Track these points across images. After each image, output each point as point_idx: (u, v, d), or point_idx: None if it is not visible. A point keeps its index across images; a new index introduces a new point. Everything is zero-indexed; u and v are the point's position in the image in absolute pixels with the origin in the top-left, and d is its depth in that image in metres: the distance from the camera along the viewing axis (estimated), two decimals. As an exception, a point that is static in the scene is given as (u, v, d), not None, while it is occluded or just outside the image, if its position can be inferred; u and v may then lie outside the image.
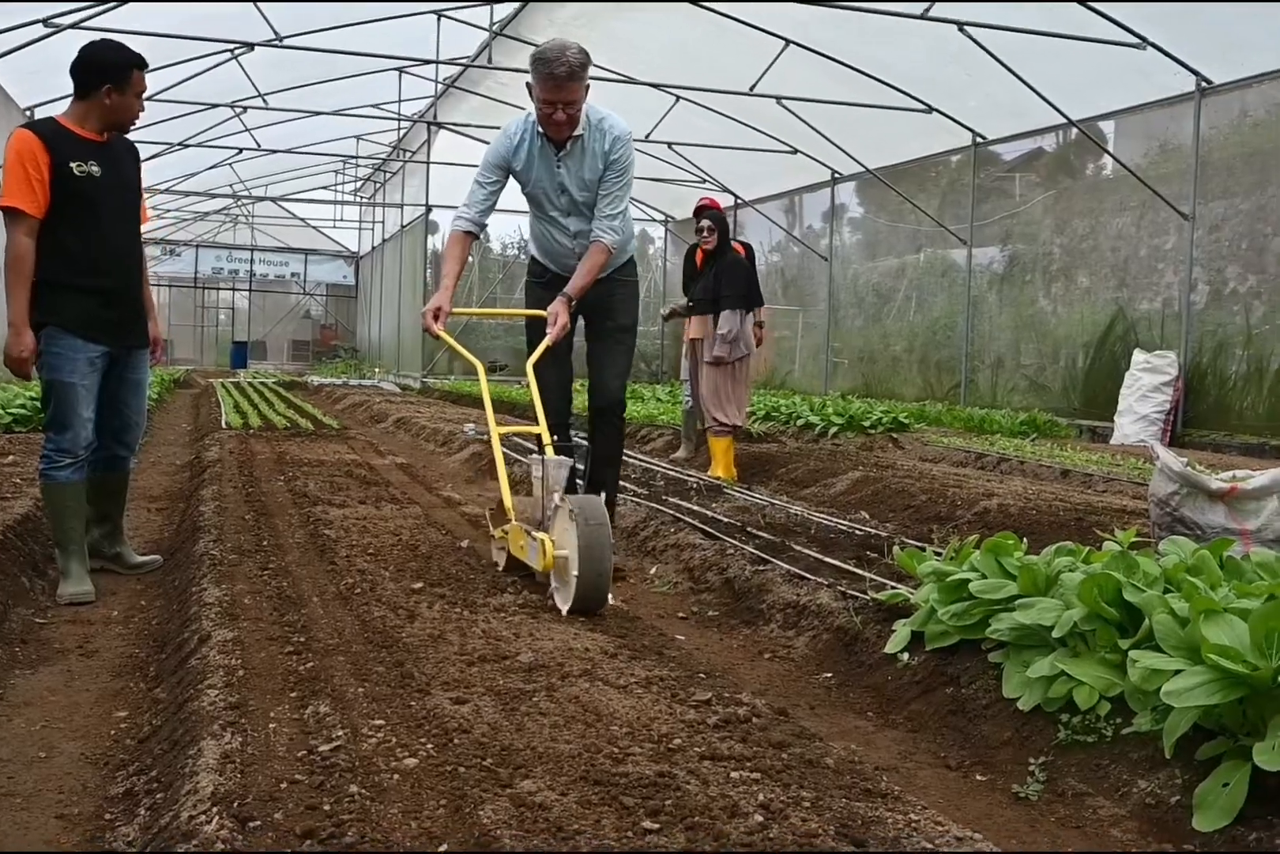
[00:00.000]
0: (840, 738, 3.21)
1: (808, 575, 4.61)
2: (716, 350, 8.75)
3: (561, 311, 4.88)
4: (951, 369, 16.50)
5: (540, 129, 4.95)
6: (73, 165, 4.57)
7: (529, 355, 4.98)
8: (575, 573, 3.83)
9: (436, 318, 4.90)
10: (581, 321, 5.35)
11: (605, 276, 5.23)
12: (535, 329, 5.11)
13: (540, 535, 4.03)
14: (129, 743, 3.04)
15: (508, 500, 4.51)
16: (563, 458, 4.44)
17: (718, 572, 5.02)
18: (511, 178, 5.18)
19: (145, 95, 4.79)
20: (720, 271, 8.80)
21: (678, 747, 2.62)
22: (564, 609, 3.91)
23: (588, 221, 5.12)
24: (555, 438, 4.70)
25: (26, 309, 4.55)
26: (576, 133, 4.93)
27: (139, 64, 4.67)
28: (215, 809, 2.19)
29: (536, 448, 4.90)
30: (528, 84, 4.88)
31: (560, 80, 4.70)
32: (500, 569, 4.59)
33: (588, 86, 4.85)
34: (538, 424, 4.74)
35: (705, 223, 8.84)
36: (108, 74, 4.60)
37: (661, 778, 2.39)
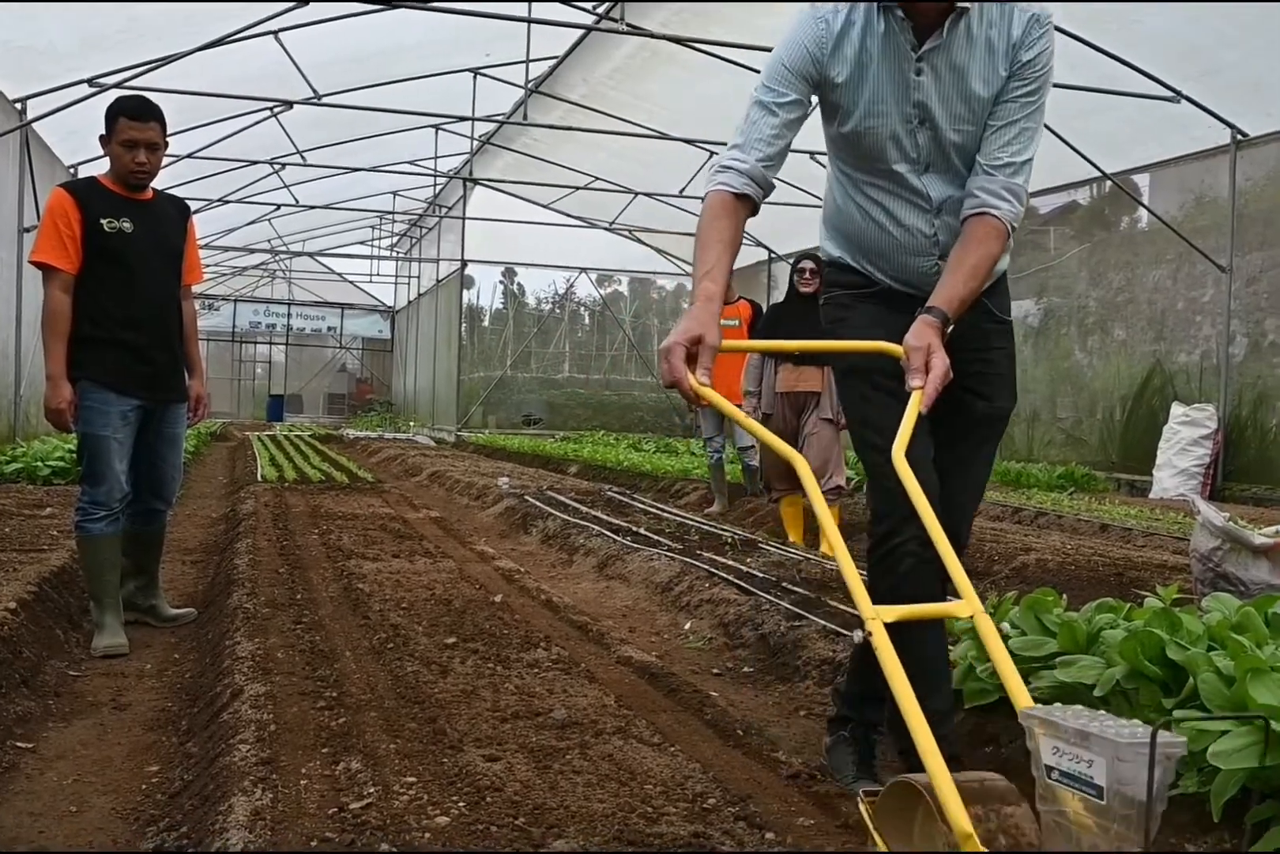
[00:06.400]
0: (878, 798, 3.15)
1: (844, 631, 4.56)
2: None
3: (936, 344, 2.51)
4: (987, 422, 16.40)
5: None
6: (103, 222, 4.63)
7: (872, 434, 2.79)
8: None
9: (692, 359, 2.39)
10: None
11: (975, 300, 2.75)
12: (864, 384, 2.87)
13: None
14: (160, 798, 3.01)
15: (959, 813, 1.80)
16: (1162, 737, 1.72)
17: (753, 627, 4.97)
18: (819, 103, 2.95)
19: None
20: None
21: (712, 806, 2.57)
22: None
23: (960, 184, 2.80)
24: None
25: (64, 362, 4.60)
26: (961, 3, 2.63)
27: (124, 111, 4.62)
28: (245, 868, 2.17)
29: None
30: None
31: None
32: None
33: None
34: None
35: (808, 265, 7.52)
36: (105, 124, 4.67)
37: (696, 838, 2.36)
